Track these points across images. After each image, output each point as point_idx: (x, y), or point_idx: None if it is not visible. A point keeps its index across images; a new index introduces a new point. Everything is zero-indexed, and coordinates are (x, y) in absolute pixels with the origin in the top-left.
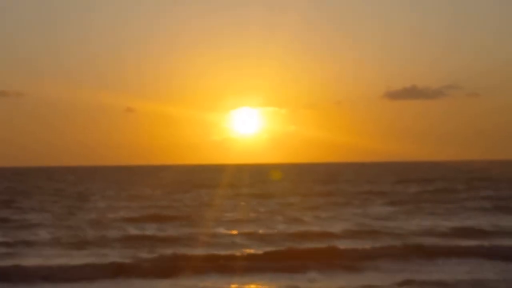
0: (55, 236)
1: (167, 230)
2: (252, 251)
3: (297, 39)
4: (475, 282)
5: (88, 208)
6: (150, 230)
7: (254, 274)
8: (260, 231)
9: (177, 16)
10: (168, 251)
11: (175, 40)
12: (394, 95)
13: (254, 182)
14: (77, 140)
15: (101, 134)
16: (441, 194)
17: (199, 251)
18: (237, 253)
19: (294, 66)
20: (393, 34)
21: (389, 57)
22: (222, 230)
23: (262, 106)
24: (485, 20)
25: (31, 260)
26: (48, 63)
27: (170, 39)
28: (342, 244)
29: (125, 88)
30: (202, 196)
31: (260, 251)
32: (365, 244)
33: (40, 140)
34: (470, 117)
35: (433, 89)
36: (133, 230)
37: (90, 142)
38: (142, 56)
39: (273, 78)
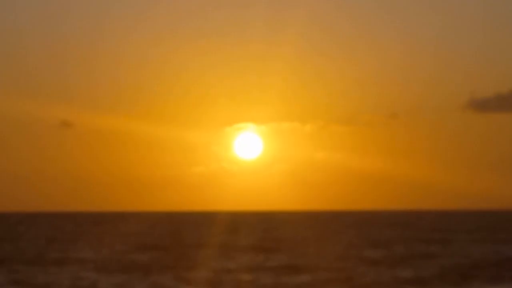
0: None
1: None
2: None
3: (321, 31)
4: None
5: None
6: None
7: None
8: None
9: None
10: None
11: (138, 26)
12: (483, 104)
13: (264, 243)
14: None
15: (20, 160)
16: None
17: None
18: None
19: (322, 64)
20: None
21: (475, 50)
22: None
23: (273, 121)
24: None
25: None
26: None
27: (133, 23)
28: None
29: (61, 94)
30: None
31: None
32: None
33: None
34: None
35: None
36: None
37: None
38: (87, 49)
39: (290, 81)
